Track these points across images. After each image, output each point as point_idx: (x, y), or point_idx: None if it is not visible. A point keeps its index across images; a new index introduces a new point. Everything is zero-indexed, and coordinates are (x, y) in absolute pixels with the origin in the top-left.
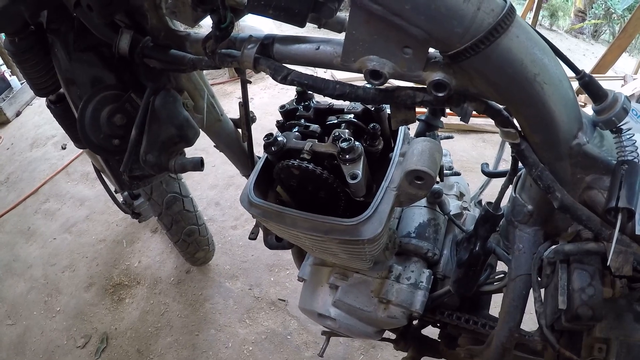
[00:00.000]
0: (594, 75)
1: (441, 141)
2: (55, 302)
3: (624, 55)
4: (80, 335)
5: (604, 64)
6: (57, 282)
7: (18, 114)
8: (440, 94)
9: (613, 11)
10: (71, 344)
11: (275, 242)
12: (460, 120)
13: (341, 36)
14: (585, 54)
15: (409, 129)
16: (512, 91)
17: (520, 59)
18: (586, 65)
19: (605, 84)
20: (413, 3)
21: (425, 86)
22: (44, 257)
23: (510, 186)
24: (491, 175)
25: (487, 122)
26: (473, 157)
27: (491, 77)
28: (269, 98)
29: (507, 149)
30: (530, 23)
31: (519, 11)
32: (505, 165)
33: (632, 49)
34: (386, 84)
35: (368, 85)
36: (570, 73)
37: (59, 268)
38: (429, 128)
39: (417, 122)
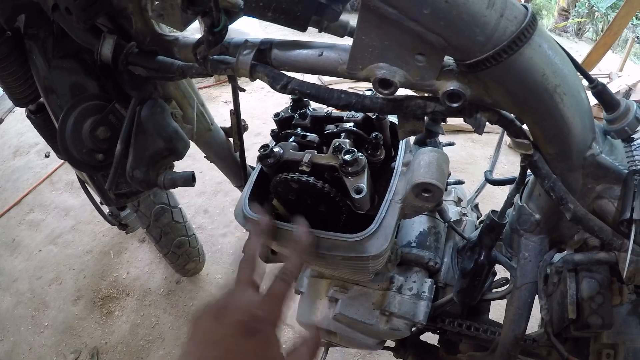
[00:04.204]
0: None
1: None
2: (43, 317)
3: (609, 53)
4: (70, 351)
5: (589, 62)
6: (44, 296)
7: (0, 121)
8: (455, 105)
9: (596, 10)
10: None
11: (270, 255)
12: (475, 131)
13: (343, 41)
14: (570, 52)
15: None
16: (531, 102)
17: (542, 69)
18: None
19: None
20: (433, 7)
21: (436, 96)
22: (30, 270)
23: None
24: (496, 183)
25: None
26: (462, 157)
27: (510, 88)
28: (255, 102)
29: (503, 150)
30: None
31: None
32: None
33: (614, 47)
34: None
35: (371, 95)
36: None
37: (46, 281)
38: (429, 135)
39: None
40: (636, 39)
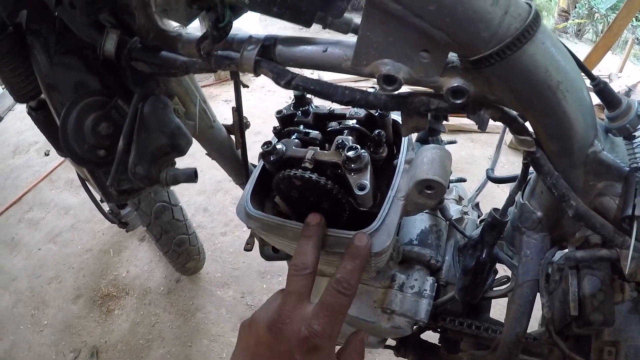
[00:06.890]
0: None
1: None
2: (42, 316)
3: (608, 54)
4: (69, 350)
5: (589, 63)
6: (43, 295)
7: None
8: (458, 101)
9: (596, 11)
10: (60, 358)
11: (272, 254)
12: (478, 128)
13: (347, 37)
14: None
15: None
16: (534, 99)
17: (545, 66)
18: None
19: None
20: (438, 4)
21: (440, 92)
22: (29, 269)
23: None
24: (497, 181)
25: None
26: (462, 157)
27: (514, 85)
28: (256, 101)
29: (503, 150)
30: None
31: None
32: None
33: (614, 48)
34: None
35: (375, 91)
36: None
37: (45, 280)
38: (431, 133)
39: None
40: (636, 40)
